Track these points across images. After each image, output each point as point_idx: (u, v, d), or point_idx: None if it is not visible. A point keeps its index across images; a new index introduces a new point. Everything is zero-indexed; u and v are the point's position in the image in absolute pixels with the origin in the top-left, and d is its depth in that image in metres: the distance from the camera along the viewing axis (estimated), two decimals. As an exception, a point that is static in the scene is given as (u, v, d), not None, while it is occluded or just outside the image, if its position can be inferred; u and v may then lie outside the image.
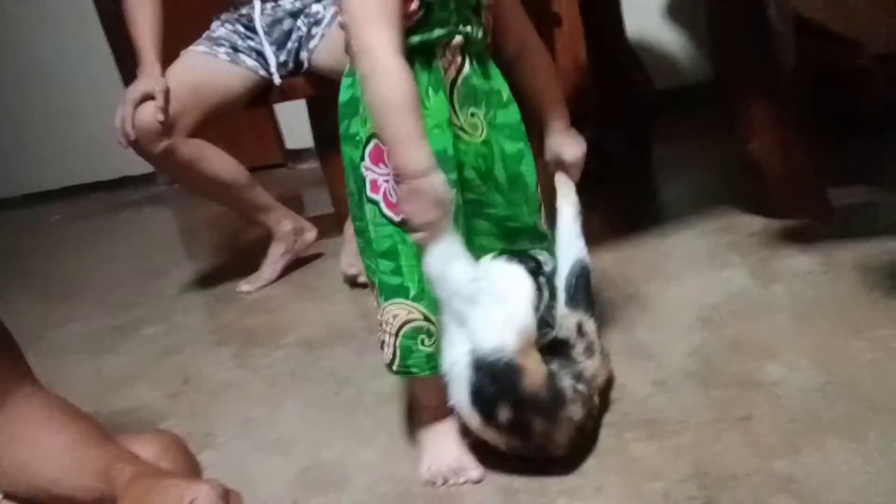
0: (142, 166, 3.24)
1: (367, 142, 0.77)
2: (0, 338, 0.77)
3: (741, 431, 0.80)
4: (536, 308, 0.78)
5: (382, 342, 0.80)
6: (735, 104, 1.35)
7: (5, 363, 0.75)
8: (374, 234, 0.78)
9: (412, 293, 0.76)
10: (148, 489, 0.60)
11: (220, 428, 1.04)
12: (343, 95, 0.81)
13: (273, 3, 1.54)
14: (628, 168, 1.94)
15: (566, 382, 0.77)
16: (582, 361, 0.82)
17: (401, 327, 0.77)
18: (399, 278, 0.76)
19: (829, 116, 1.74)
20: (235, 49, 1.53)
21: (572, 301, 0.87)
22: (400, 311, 0.77)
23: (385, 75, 0.69)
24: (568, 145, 0.91)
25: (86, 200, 3.34)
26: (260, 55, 1.54)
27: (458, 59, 0.78)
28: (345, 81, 0.81)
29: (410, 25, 0.74)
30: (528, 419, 0.75)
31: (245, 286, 1.62)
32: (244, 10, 1.55)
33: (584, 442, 0.81)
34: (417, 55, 0.75)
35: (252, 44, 1.54)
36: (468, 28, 0.78)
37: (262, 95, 1.60)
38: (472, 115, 0.80)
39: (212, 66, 1.50)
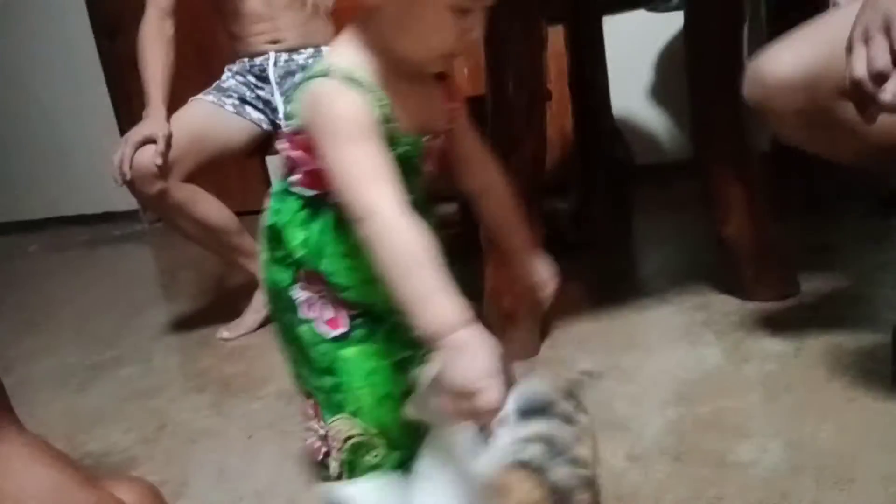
0: (125, 203, 3.28)
1: (300, 264, 0.76)
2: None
3: (716, 510, 0.82)
4: None
5: (326, 453, 0.77)
6: (711, 185, 1.41)
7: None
8: (312, 353, 0.76)
9: (352, 409, 0.75)
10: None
11: (196, 477, 1.03)
12: (270, 219, 0.78)
13: (287, 56, 1.59)
14: (608, 236, 2.01)
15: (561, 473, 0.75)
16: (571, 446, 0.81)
17: (344, 441, 0.75)
18: (340, 395, 0.75)
19: (790, 193, 1.85)
20: (243, 101, 1.57)
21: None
22: (343, 427, 0.75)
23: (398, 234, 0.64)
24: (542, 266, 0.90)
25: (65, 233, 3.31)
26: (267, 105, 1.59)
27: None
28: (272, 204, 0.78)
29: None
30: None
31: (225, 333, 1.61)
32: (258, 61, 1.60)
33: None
34: None
35: (261, 94, 1.59)
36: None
37: (260, 147, 1.64)
38: None
39: (217, 117, 1.55)
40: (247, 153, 1.62)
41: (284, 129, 0.78)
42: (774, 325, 1.26)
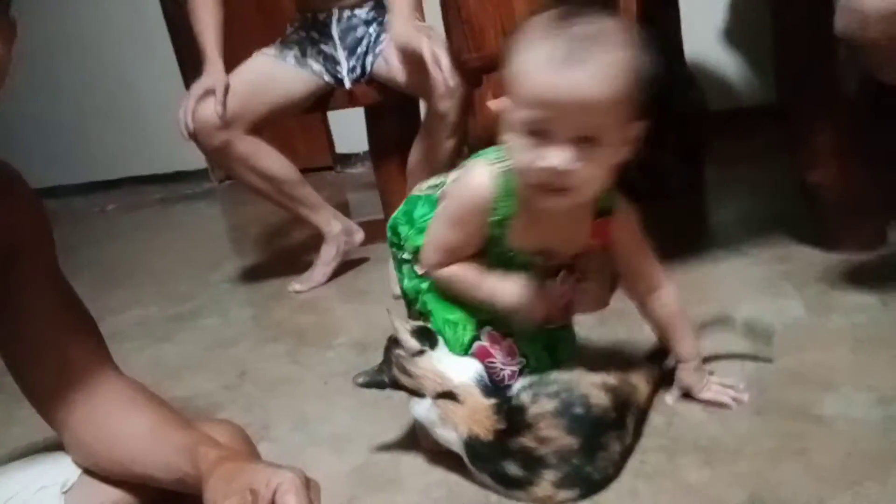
0: (195, 162, 3.38)
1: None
2: (84, 323, 0.81)
3: (799, 462, 0.79)
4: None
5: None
6: (798, 131, 1.34)
7: (90, 348, 0.79)
8: None
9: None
10: (234, 472, 0.63)
11: (277, 421, 1.08)
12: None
13: (350, 13, 1.58)
14: (680, 188, 1.94)
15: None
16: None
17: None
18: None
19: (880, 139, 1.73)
20: (304, 54, 1.58)
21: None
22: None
23: (449, 280, 0.87)
24: (696, 381, 0.93)
25: (140, 192, 3.45)
26: (328, 59, 1.59)
27: None
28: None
29: None
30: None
31: (297, 286, 1.65)
32: (321, 17, 1.60)
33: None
34: None
35: (324, 48, 1.59)
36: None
37: (320, 101, 1.65)
38: None
39: (278, 69, 1.56)
40: (308, 106, 1.63)
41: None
42: (860, 276, 1.20)
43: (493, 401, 0.84)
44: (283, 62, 1.57)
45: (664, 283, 0.93)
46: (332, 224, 1.67)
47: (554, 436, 0.79)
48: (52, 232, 0.80)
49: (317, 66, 1.59)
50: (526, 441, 0.79)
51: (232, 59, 1.54)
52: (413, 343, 0.87)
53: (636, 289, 0.94)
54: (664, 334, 0.96)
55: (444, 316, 0.90)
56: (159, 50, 3.30)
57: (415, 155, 1.56)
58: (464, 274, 0.86)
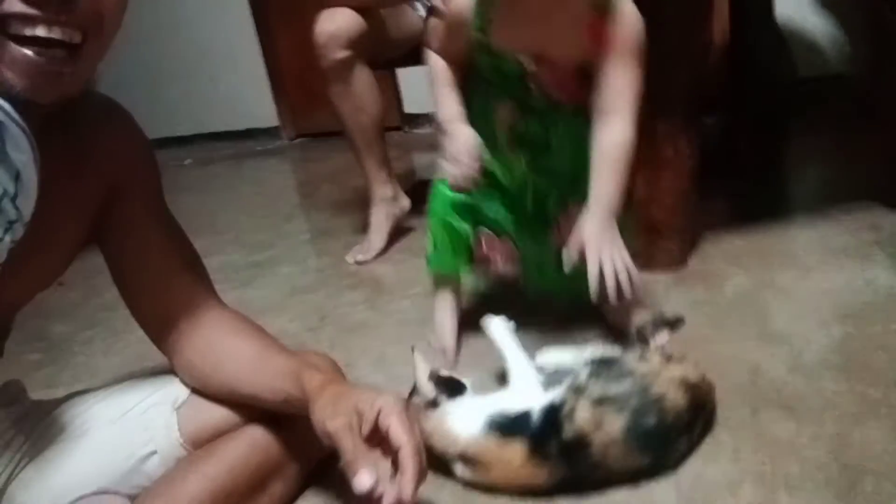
0: (267, 120, 3.45)
1: None
2: (192, 255, 0.86)
3: (886, 428, 0.78)
4: None
5: None
6: (886, 97, 1.28)
7: (197, 279, 0.84)
8: None
9: None
10: (340, 395, 0.67)
11: (358, 360, 1.12)
12: None
13: None
14: (761, 152, 1.88)
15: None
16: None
17: None
18: None
19: None
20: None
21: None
22: None
23: (431, 70, 0.97)
24: (597, 235, 0.86)
25: (213, 148, 3.56)
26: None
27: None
28: None
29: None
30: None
31: (360, 256, 1.60)
32: None
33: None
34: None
35: None
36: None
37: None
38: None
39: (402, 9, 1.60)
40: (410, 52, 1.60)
41: None
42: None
43: (524, 443, 0.73)
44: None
45: (625, 115, 0.87)
46: (385, 187, 1.63)
47: (622, 460, 0.73)
48: (157, 166, 0.83)
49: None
50: (593, 474, 0.73)
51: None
52: (428, 389, 0.79)
53: (597, 103, 0.88)
54: (593, 170, 0.89)
55: (444, 218, 0.99)
56: (233, 5, 3.36)
57: None
58: (437, 71, 0.97)
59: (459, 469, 0.77)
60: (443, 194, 1.01)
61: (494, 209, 1.01)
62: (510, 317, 0.92)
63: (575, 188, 0.93)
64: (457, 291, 1.11)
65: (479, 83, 0.98)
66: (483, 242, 1.03)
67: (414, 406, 0.80)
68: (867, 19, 1.37)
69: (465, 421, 0.77)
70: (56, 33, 0.57)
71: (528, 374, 0.83)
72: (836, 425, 0.80)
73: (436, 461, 0.75)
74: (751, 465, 0.76)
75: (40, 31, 0.56)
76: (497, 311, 0.92)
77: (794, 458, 0.76)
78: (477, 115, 0.98)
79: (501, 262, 1.02)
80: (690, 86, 1.19)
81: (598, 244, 0.84)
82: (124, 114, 0.79)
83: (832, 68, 2.33)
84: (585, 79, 0.90)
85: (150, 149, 0.83)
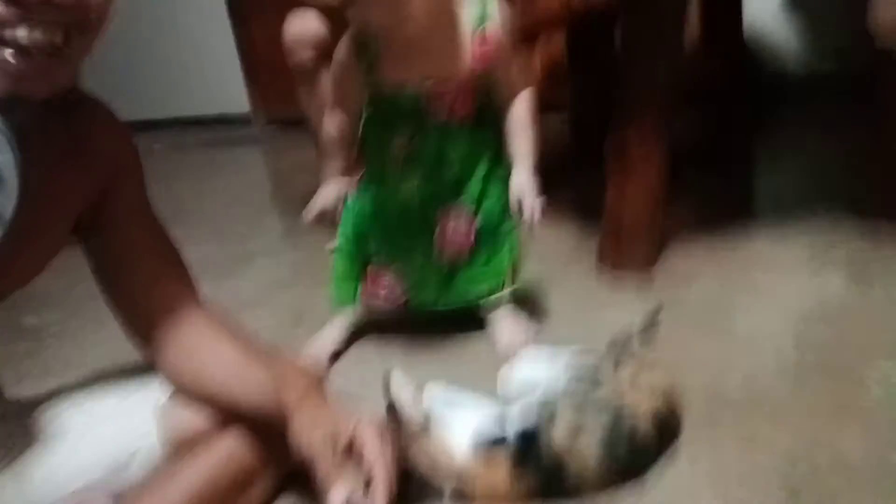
0: (238, 106, 3.40)
1: None
2: (175, 258, 0.86)
3: (856, 423, 0.83)
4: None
5: None
6: (882, 94, 1.32)
7: (181, 280, 0.84)
8: None
9: None
10: (318, 411, 0.69)
11: (339, 361, 1.14)
12: None
13: None
14: (741, 149, 1.91)
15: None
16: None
17: None
18: None
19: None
20: None
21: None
22: None
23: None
24: (528, 188, 1.00)
25: (185, 134, 3.50)
26: None
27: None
28: None
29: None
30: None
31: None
32: None
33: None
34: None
35: None
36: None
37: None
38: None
39: None
40: None
41: None
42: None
43: (506, 456, 0.75)
44: None
45: (525, 91, 1.03)
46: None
47: (594, 472, 0.76)
48: (142, 165, 0.84)
49: None
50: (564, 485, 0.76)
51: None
52: (417, 414, 0.77)
53: (502, 94, 1.03)
54: (512, 137, 1.04)
55: (345, 247, 1.10)
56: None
57: None
58: (330, 126, 1.08)
59: (449, 488, 0.78)
60: (346, 221, 1.11)
61: (381, 236, 1.11)
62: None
63: (457, 192, 1.07)
64: (352, 317, 1.18)
65: (373, 125, 1.05)
66: (369, 277, 1.12)
67: (401, 428, 0.78)
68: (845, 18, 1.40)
69: (455, 440, 0.77)
70: (37, 34, 0.57)
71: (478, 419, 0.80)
72: (804, 426, 0.84)
73: (422, 482, 0.78)
74: (714, 467, 0.80)
75: (21, 33, 0.56)
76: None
77: (759, 459, 0.80)
78: (372, 152, 1.07)
79: (384, 297, 1.12)
80: (661, 92, 1.21)
81: (530, 190, 1.00)
82: (110, 111, 0.79)
83: (808, 69, 2.38)
84: (482, 86, 1.01)
85: (136, 148, 0.84)
